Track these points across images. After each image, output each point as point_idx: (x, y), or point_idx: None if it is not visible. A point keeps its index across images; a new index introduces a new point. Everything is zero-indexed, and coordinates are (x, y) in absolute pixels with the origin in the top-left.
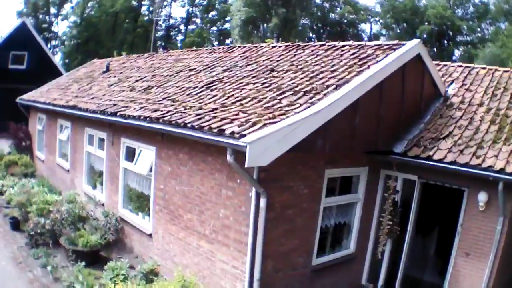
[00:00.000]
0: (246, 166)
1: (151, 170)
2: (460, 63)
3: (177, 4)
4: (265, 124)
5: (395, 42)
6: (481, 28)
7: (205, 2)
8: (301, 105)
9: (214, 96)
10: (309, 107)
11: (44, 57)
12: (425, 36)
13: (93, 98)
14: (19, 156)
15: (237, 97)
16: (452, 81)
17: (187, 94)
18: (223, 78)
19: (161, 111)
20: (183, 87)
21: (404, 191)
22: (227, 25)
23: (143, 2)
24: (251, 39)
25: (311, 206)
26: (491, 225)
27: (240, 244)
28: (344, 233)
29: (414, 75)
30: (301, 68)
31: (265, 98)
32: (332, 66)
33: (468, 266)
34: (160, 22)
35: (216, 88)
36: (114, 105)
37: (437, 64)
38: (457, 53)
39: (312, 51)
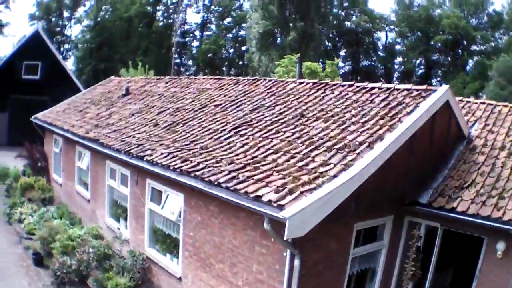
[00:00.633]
0: (285, 238)
1: (179, 215)
2: (483, 100)
3: (192, 10)
4: (302, 192)
5: (424, 87)
6: (494, 37)
7: (220, 9)
8: (334, 165)
9: (244, 145)
10: (343, 168)
11: (58, 67)
12: (439, 45)
13: (114, 131)
14: (35, 178)
15: (269, 148)
16: (475, 121)
17: (215, 139)
18: (251, 120)
19: (191, 161)
20: (210, 129)
21: (426, 236)
22: (242, 32)
23: (157, 8)
24: (269, 51)
25: (340, 259)
26: (508, 272)
27: None
28: (368, 278)
29: (442, 121)
30: (332, 116)
31: (298, 153)
32: (363, 115)
33: None
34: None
35: (245, 135)
36: (139, 145)
37: (460, 101)
38: (470, 63)
39: (340, 92)
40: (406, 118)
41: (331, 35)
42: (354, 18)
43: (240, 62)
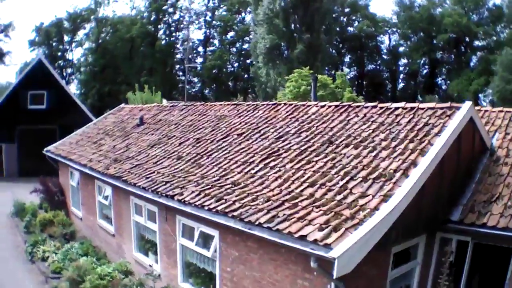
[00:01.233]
0: (334, 278)
1: (215, 251)
2: (501, 108)
3: (194, 27)
4: (346, 229)
5: (447, 105)
6: (496, 32)
7: (222, 24)
8: (373, 196)
9: (277, 178)
10: (383, 199)
11: (64, 95)
12: (441, 44)
13: (136, 166)
14: (54, 213)
15: (303, 181)
16: (496, 131)
17: (245, 173)
18: (278, 150)
19: (226, 200)
20: (237, 161)
21: (457, 250)
22: (246, 45)
23: (159, 26)
24: (277, 66)
25: (380, 283)
26: None
27: None
28: None
29: (467, 137)
30: (361, 142)
31: (334, 185)
32: (393, 139)
33: None
34: (177, 45)
35: (275, 166)
36: (166, 182)
37: (479, 110)
38: (474, 59)
39: (365, 114)
40: (435, 140)
41: (334, 42)
42: (356, 23)
43: (246, 76)
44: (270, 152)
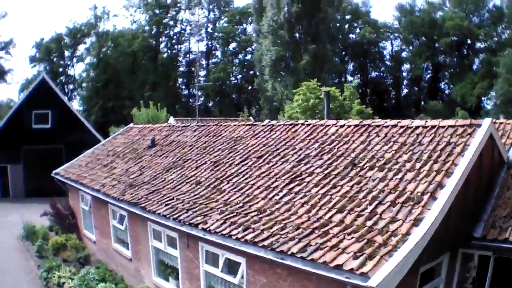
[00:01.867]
0: None
1: (242, 277)
2: None
3: (195, 39)
4: (381, 257)
5: (468, 122)
6: (497, 33)
7: (224, 35)
8: (403, 221)
9: (303, 204)
10: (413, 224)
11: (69, 114)
12: (442, 48)
13: (153, 191)
14: (66, 236)
15: (331, 207)
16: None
17: (270, 199)
18: (301, 174)
19: (253, 229)
20: (260, 186)
21: (478, 264)
22: (248, 56)
23: (160, 39)
24: (283, 78)
25: None
26: None
27: None
28: None
29: (487, 154)
30: (385, 164)
31: (363, 210)
32: (417, 160)
33: None
34: (180, 58)
35: (300, 192)
36: (188, 210)
37: (494, 123)
38: (477, 62)
39: (386, 134)
40: (459, 160)
41: (337, 50)
42: (358, 30)
43: (249, 87)
44: (293, 176)
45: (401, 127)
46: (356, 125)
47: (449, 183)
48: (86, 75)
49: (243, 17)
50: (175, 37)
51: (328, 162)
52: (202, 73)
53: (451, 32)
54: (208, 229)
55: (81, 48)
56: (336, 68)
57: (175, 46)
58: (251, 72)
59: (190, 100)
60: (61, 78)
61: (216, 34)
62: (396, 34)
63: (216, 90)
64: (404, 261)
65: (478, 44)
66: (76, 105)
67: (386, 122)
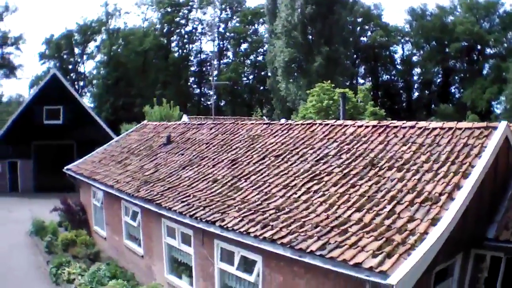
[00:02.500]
0: None
1: (258, 275)
2: None
3: (207, 38)
4: (400, 255)
5: (484, 125)
6: (507, 39)
7: (235, 35)
8: (421, 221)
9: (322, 203)
10: (431, 223)
11: (80, 110)
12: (452, 53)
13: (168, 188)
14: (76, 232)
15: (350, 206)
16: None
17: (288, 197)
18: (319, 173)
19: (272, 227)
20: (278, 185)
21: (490, 265)
22: (260, 58)
23: (171, 38)
24: (297, 79)
25: None
26: None
27: None
28: None
29: (503, 155)
30: (403, 164)
31: (382, 210)
32: (434, 161)
33: None
34: (191, 57)
35: (319, 191)
36: (205, 207)
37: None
38: (487, 67)
39: (404, 135)
40: (476, 162)
41: (349, 53)
42: (369, 33)
43: (261, 88)
44: (312, 175)
45: (419, 128)
46: (374, 126)
47: (466, 184)
48: (96, 73)
49: (255, 17)
50: (186, 36)
51: (347, 162)
52: (214, 72)
53: (462, 37)
54: (225, 226)
55: (92, 46)
56: (348, 70)
57: (187, 46)
58: (263, 73)
59: (202, 99)
60: (71, 75)
61: (227, 34)
62: (407, 38)
63: (228, 90)
64: (422, 260)
65: (488, 50)
66: (86, 102)
67: (404, 123)
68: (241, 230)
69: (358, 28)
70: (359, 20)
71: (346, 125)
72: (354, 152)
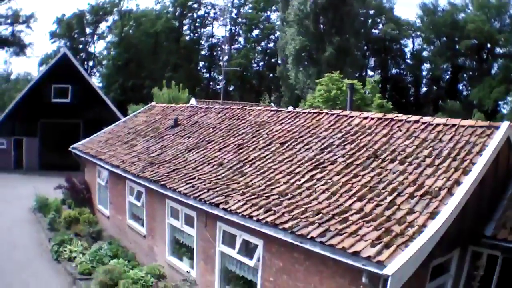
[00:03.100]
0: None
1: (258, 260)
2: None
3: (218, 23)
4: (398, 246)
5: (487, 123)
6: None
7: (247, 21)
8: (420, 213)
9: (324, 191)
10: (430, 217)
11: (89, 90)
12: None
13: (174, 170)
14: (79, 210)
15: (351, 195)
16: None
17: (292, 183)
18: (323, 162)
19: (274, 212)
20: (282, 171)
21: (486, 263)
22: (271, 44)
23: (184, 22)
24: (306, 68)
25: None
26: None
27: None
28: None
29: (503, 155)
30: (406, 157)
31: (382, 200)
32: (436, 156)
33: None
34: (202, 42)
35: (322, 179)
36: (209, 189)
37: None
38: (495, 66)
39: (408, 129)
40: (477, 159)
41: (359, 44)
42: (380, 26)
43: (271, 74)
44: (316, 163)
45: (423, 123)
46: (379, 118)
47: (466, 180)
48: (106, 53)
49: (268, 4)
50: (198, 20)
51: (351, 152)
52: (224, 58)
53: (472, 35)
54: (229, 209)
55: (103, 26)
56: (358, 61)
57: (198, 29)
58: (273, 60)
59: (211, 83)
60: (81, 54)
61: (239, 20)
62: (418, 33)
63: (237, 75)
64: (419, 252)
65: (498, 49)
66: (95, 82)
67: (408, 117)
68: (244, 213)
69: (370, 20)
70: (371, 12)
71: (352, 116)
72: (358, 143)
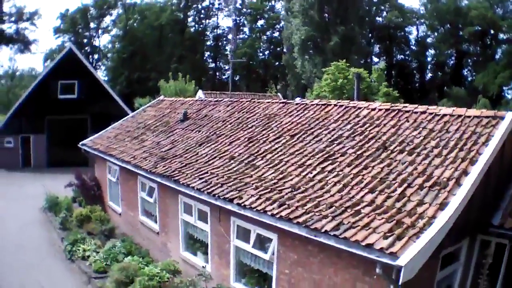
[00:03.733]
0: (400, 284)
1: (273, 253)
2: None
3: (223, 14)
4: (409, 238)
5: (492, 113)
6: None
7: (252, 11)
8: (430, 204)
9: (336, 183)
10: (439, 208)
11: (96, 84)
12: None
13: (186, 165)
14: (91, 208)
15: (363, 187)
16: None
17: (303, 176)
18: (334, 154)
19: (288, 206)
20: (293, 164)
21: (494, 251)
22: (276, 34)
23: (188, 13)
24: (312, 57)
25: (429, 284)
26: None
27: None
28: None
29: (509, 144)
30: (414, 148)
31: (393, 192)
32: (444, 147)
33: None
34: (207, 33)
35: (333, 170)
36: (222, 184)
37: None
38: (499, 52)
39: (415, 120)
40: (483, 150)
41: (364, 32)
42: (384, 13)
43: (276, 63)
44: (326, 155)
45: (430, 113)
46: (387, 109)
47: (473, 170)
48: (111, 47)
49: None
50: (203, 11)
51: (360, 143)
52: (231, 48)
53: (476, 21)
54: (243, 204)
55: (107, 20)
56: (363, 49)
57: (203, 21)
58: (278, 49)
59: (217, 73)
60: (86, 48)
61: (244, 10)
62: (422, 20)
63: (243, 65)
64: (430, 243)
65: (501, 35)
66: (100, 76)
67: (415, 107)
68: (258, 208)
69: (374, 8)
70: (375, 0)
71: (360, 108)
72: (367, 134)
